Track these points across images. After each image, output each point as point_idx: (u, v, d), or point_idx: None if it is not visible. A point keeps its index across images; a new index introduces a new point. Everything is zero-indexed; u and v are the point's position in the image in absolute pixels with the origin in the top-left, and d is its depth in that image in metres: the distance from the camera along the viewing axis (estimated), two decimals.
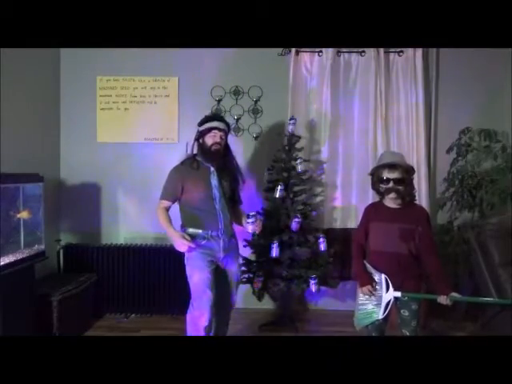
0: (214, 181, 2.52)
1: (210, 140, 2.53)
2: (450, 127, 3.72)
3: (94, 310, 3.52)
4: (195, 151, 2.61)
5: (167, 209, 2.58)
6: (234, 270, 2.63)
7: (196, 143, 2.60)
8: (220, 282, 2.55)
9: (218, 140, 2.53)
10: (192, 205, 2.52)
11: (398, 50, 3.75)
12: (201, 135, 2.58)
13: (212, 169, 2.54)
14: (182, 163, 2.60)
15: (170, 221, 2.53)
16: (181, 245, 2.42)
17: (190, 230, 2.51)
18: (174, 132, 3.84)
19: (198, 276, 2.45)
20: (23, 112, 3.28)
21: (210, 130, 2.53)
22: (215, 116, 2.71)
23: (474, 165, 3.59)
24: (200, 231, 2.50)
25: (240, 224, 2.69)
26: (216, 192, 2.51)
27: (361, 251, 2.33)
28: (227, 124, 2.64)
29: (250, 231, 2.57)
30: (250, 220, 2.52)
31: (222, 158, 2.56)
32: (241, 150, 3.72)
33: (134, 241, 3.77)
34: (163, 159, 3.69)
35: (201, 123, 2.61)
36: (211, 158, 2.53)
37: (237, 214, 2.70)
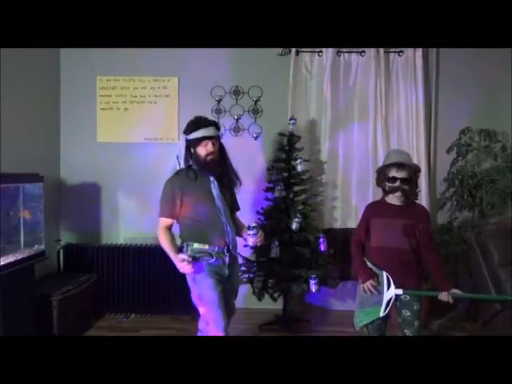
0: (216, 190, 2.31)
1: (202, 151, 2.29)
2: (450, 127, 3.72)
3: (94, 310, 3.51)
4: (189, 162, 2.37)
5: (169, 227, 2.32)
6: (235, 284, 2.50)
7: (187, 154, 2.36)
8: (225, 297, 2.36)
9: (211, 149, 2.29)
10: (195, 218, 2.30)
11: (398, 50, 3.74)
12: (191, 146, 2.33)
13: (212, 178, 2.33)
14: (177, 173, 2.36)
15: (172, 242, 2.28)
16: (184, 268, 2.18)
17: (195, 246, 2.30)
18: (174, 132, 3.84)
19: (208, 296, 2.24)
20: (23, 112, 3.27)
21: (199, 140, 2.28)
22: (201, 122, 2.34)
23: (474, 165, 3.60)
24: (206, 247, 2.29)
25: (239, 235, 2.48)
26: (219, 203, 2.31)
27: (360, 248, 2.34)
28: (216, 126, 2.37)
29: (251, 244, 2.38)
30: (250, 232, 2.33)
31: (219, 165, 2.36)
32: (241, 149, 3.71)
33: (134, 241, 3.76)
34: (163, 159, 3.68)
35: (187, 132, 2.34)
36: (209, 169, 2.32)
37: (235, 223, 2.49)
